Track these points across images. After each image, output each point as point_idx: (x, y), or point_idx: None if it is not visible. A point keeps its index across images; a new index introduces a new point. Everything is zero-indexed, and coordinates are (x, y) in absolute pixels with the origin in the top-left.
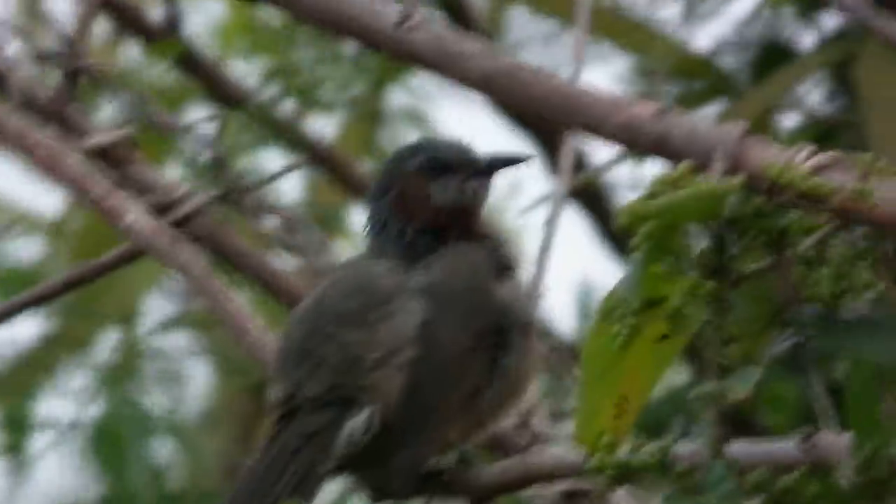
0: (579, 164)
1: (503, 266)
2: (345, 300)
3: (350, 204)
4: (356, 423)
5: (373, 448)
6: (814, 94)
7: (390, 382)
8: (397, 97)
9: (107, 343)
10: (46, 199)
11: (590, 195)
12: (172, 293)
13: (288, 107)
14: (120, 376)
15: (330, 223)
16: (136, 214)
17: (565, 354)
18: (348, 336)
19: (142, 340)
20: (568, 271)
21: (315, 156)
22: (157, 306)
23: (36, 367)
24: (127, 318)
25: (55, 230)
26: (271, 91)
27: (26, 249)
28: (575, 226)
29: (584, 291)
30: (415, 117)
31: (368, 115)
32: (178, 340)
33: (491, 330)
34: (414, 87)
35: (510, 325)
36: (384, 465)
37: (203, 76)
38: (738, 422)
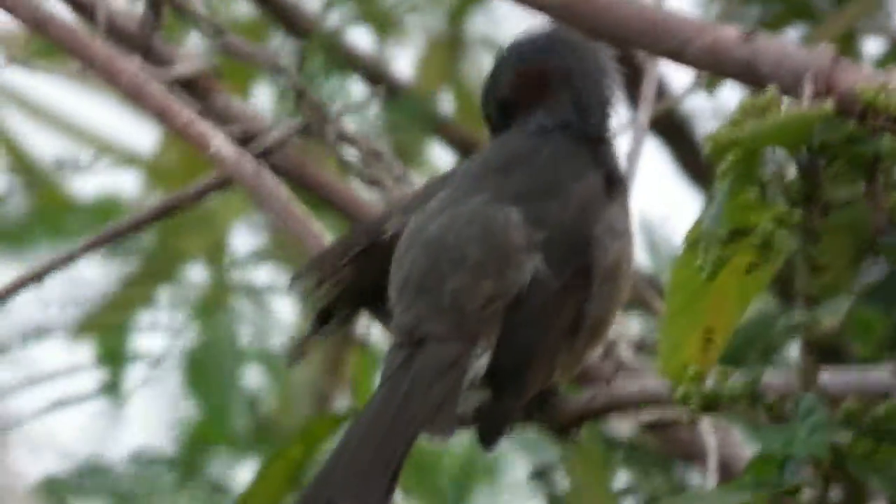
0: (658, 93)
1: (613, 188)
2: (469, 244)
3: (425, 136)
4: (479, 365)
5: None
6: None
7: (494, 328)
8: (477, 25)
9: (194, 277)
10: (135, 133)
11: (669, 125)
12: (258, 226)
13: (363, 36)
14: (209, 309)
15: (409, 154)
16: (220, 143)
17: (648, 286)
18: (464, 282)
19: (229, 273)
20: (648, 203)
21: (392, 88)
22: (243, 240)
23: (124, 303)
24: (213, 252)
25: (149, 165)
26: (344, 17)
27: (118, 181)
28: (654, 157)
29: (659, 224)
30: (495, 46)
31: (447, 45)
32: (266, 273)
33: (582, 271)
34: (494, 15)
35: (596, 267)
36: (485, 408)
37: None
38: (828, 351)
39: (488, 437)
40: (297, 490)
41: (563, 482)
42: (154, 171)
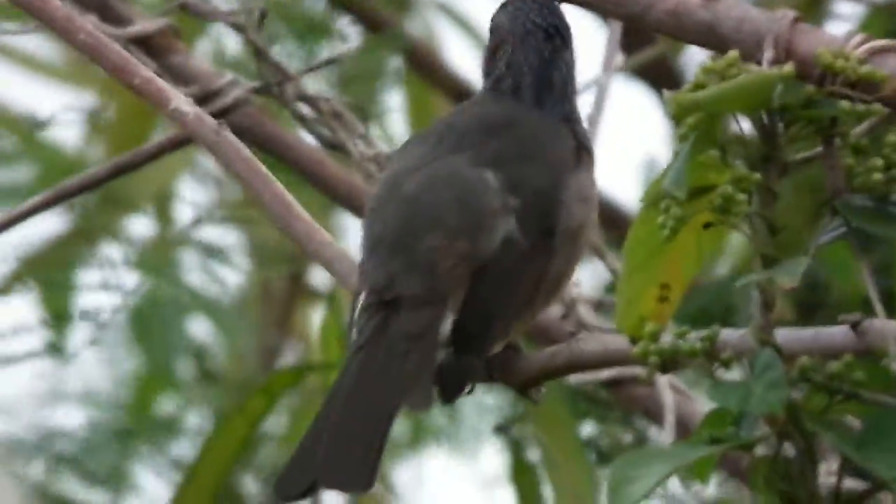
0: (650, 40)
1: (581, 150)
2: (445, 207)
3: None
4: (447, 325)
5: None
6: None
7: (462, 287)
8: None
9: (139, 230)
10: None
11: (660, 72)
12: (205, 178)
13: None
14: (155, 258)
15: (367, 112)
16: (179, 102)
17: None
18: (438, 243)
19: (176, 225)
20: (635, 149)
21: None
22: (190, 192)
23: (69, 250)
24: (161, 203)
25: (92, 120)
26: None
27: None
28: (644, 103)
29: (648, 168)
30: (444, 6)
31: (395, 3)
32: (213, 226)
33: (547, 232)
34: None
35: (560, 228)
36: (447, 366)
37: None
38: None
39: (449, 393)
40: (255, 444)
41: (526, 435)
42: (97, 123)
